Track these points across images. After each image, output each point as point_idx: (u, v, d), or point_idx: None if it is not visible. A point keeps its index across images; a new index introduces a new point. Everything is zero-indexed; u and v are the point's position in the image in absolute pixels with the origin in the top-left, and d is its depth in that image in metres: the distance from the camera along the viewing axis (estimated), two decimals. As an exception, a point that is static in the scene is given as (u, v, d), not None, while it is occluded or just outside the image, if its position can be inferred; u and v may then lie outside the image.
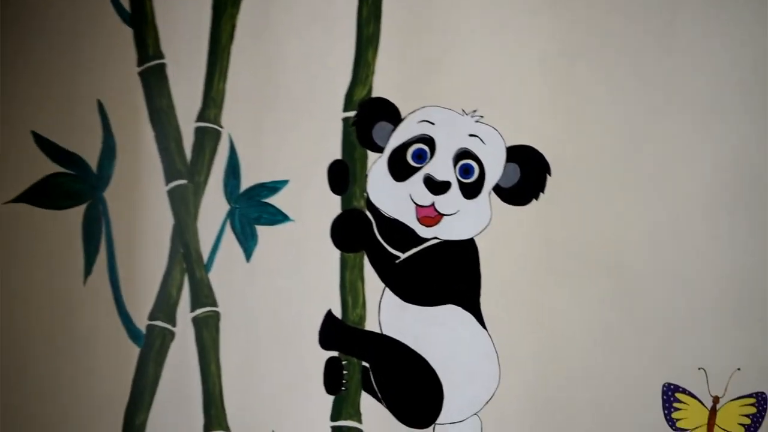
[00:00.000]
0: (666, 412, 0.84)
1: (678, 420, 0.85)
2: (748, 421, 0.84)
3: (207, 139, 0.95)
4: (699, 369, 0.84)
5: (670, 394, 0.84)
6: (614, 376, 0.85)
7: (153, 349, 0.95)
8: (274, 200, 0.94)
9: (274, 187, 0.94)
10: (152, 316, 0.95)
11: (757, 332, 0.83)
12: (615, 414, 0.85)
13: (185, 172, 0.96)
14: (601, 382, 0.85)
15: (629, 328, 0.85)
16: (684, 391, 0.84)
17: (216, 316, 0.94)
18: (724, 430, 0.84)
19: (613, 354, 0.85)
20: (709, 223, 0.85)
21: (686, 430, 0.84)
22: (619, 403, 0.85)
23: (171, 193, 0.96)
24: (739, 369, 0.83)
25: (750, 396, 0.83)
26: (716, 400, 0.84)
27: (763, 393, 0.83)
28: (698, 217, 0.85)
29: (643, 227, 0.86)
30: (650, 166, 0.86)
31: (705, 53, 0.85)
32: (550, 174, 0.87)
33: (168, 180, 0.96)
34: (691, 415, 0.84)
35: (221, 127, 0.96)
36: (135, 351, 0.95)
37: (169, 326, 0.95)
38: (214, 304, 0.94)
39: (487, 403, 0.87)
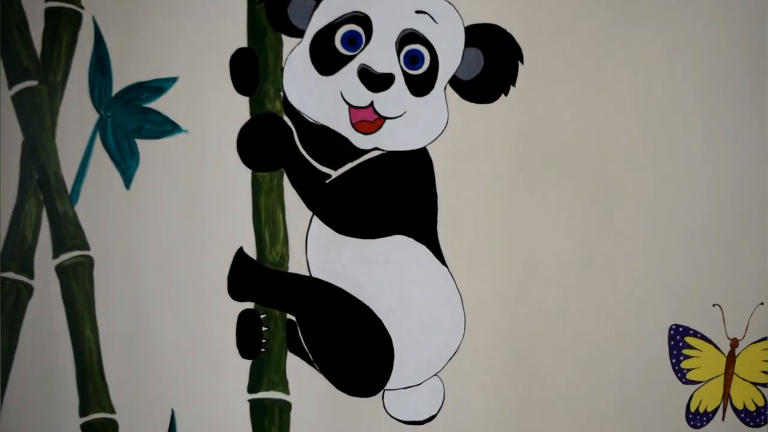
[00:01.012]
0: (674, 360, 0.85)
1: (689, 370, 0.85)
2: (774, 367, 0.87)
3: (63, 23, 0.94)
4: (713, 305, 0.84)
5: (679, 339, 0.85)
6: (605, 318, 0.86)
7: (4, 310, 0.95)
8: (159, 105, 0.92)
9: (159, 86, 0.92)
10: (1, 267, 0.96)
11: (782, 257, 0.84)
12: (607, 367, 0.86)
13: (34, 71, 0.94)
14: (588, 326, 0.86)
15: (622, 257, 0.86)
16: (695, 334, 0.85)
17: (88, 262, 0.94)
18: (744, 380, 0.85)
19: (604, 291, 0.86)
20: (715, 118, 0.85)
21: (699, 382, 0.86)
22: (613, 353, 0.86)
23: (17, 100, 0.95)
24: (762, 303, 0.84)
25: (776, 337, 0.86)
26: (734, 343, 0.85)
27: (792, 332, 0.84)
28: (704, 113, 0.85)
29: (637, 127, 0.86)
30: (645, 50, 0.86)
31: None
32: (522, 61, 0.86)
33: (12, 82, 0.95)
34: (705, 363, 0.85)
35: (81, 7, 0.94)
36: (-20, 313, 0.94)
37: (24, 278, 0.95)
38: (84, 246, 0.94)
39: (449, 360, 0.88)
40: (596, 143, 0.87)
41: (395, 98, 0.86)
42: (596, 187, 0.87)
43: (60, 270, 0.93)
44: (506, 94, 0.87)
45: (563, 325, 0.86)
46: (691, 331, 0.85)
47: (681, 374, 0.85)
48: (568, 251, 0.87)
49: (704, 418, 0.86)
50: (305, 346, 0.89)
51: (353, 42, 0.86)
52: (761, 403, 0.85)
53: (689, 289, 0.85)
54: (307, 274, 0.89)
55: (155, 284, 0.93)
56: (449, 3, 0.86)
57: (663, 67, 0.86)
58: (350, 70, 0.86)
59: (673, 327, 0.85)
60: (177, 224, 0.92)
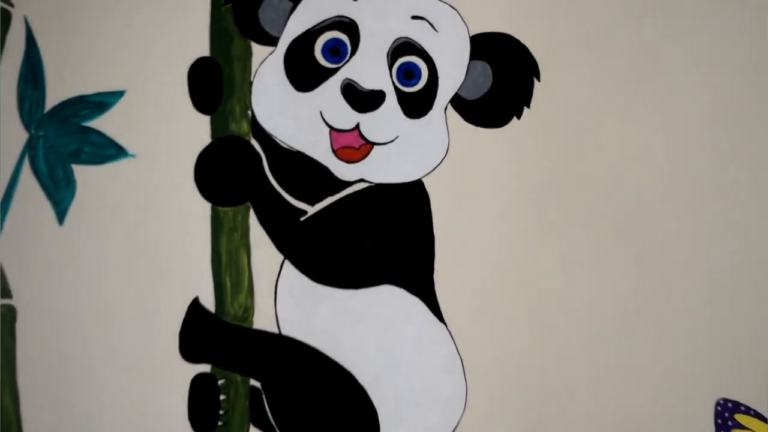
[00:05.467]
0: (721, 442, 0.89)
1: (740, 453, 0.87)
2: (839, 452, 0.87)
3: (-12, 25, 0.94)
4: (768, 377, 0.87)
5: (727, 416, 0.86)
6: (639, 390, 0.86)
7: None
8: (101, 123, 0.93)
9: (102, 102, 0.93)
10: None
11: None
12: (643, 450, 0.86)
13: (-47, 79, 0.94)
14: (619, 402, 0.87)
15: (660, 317, 0.87)
16: (747, 411, 0.85)
17: (9, 313, 0.95)
18: (804, 466, 0.86)
19: (638, 358, 0.87)
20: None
21: (751, 468, 0.87)
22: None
23: (-71, 115, 0.94)
24: (826, 377, 0.86)
25: (843, 416, 0.86)
26: (794, 421, 0.88)
27: None
28: (761, 137, 0.86)
29: (678, 157, 0.87)
30: (688, 65, 0.87)
31: None
32: (538, 78, 0.87)
33: (-76, 92, 0.95)
34: (759, 444, 0.87)
35: (10, 5, 0.96)
36: None
37: (-68, 331, 0.93)
38: (5, 294, 0.95)
39: (448, 438, 0.89)
40: (627, 176, 0.87)
41: (386, 120, 0.87)
42: (628, 230, 0.87)
43: (-23, 321, 0.93)
44: (519, 117, 0.87)
45: (588, 401, 0.87)
46: (742, 407, 0.85)
47: (730, 458, 0.88)
48: (594, 308, 0.87)
49: None
50: (271, 419, 0.89)
51: (337, 52, 0.87)
52: (822, 494, 0.86)
53: (740, 357, 0.85)
54: (276, 332, 0.89)
55: (92, 341, 0.93)
56: (452, 7, 0.88)
57: (708, 85, 0.87)
58: (332, 86, 0.87)
59: (721, 402, 0.85)
60: (119, 269, 0.92)
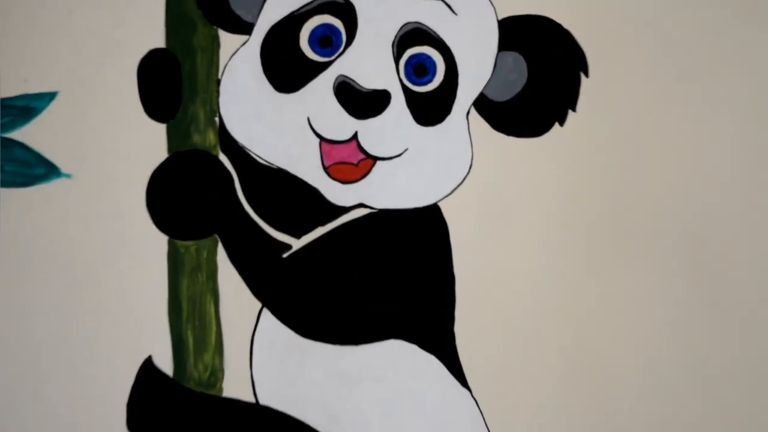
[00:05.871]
0: None
1: None
2: None
3: None
4: None
5: None
6: None
7: None
8: (27, 135, 0.85)
9: (27, 107, 0.86)
10: None
11: None
12: None
13: None
14: None
15: (749, 379, 0.81)
16: None
17: None
18: None
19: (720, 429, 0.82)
20: None
21: None
22: None
23: None
24: None
25: None
26: None
27: None
28: None
29: (755, 168, 0.83)
30: (759, 59, 0.83)
31: None
32: (587, 73, 0.81)
33: None
34: None
35: None
36: None
37: None
38: None
39: None
40: (698, 198, 0.82)
41: (391, 128, 0.80)
42: (700, 268, 0.82)
43: None
44: (562, 124, 0.81)
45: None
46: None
47: None
48: (659, 362, 0.82)
49: None
50: None
51: (328, 42, 0.80)
52: None
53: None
54: (252, 400, 0.82)
55: (13, 412, 0.84)
56: (474, -17, 0.82)
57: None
58: (323, 85, 0.79)
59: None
60: (50, 319, 0.84)
